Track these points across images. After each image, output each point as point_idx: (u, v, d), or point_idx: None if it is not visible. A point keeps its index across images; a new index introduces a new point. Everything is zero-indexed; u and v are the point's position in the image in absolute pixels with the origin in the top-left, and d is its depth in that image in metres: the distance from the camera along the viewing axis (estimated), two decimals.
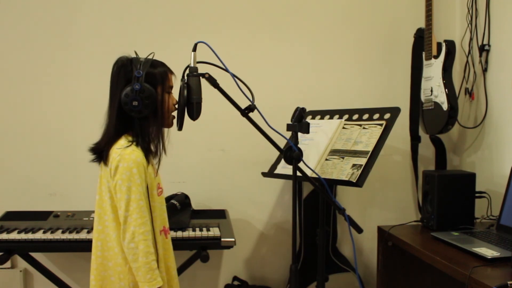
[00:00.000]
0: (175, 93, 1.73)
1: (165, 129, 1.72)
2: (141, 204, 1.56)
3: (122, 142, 1.61)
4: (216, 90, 1.74)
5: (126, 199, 1.55)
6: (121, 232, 1.57)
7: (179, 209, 2.47)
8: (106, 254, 1.66)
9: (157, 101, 1.62)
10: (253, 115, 1.77)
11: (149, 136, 1.64)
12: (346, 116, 2.40)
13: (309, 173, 2.01)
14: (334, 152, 2.26)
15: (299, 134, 1.87)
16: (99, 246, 1.67)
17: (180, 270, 2.35)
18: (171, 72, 1.71)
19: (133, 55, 1.66)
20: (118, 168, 1.56)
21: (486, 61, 2.57)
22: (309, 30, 2.83)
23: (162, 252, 1.71)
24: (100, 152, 1.64)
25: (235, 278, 2.81)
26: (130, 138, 1.62)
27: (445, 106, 2.52)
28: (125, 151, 1.57)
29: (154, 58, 1.65)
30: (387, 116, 2.21)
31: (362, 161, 2.10)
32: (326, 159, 2.25)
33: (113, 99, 1.63)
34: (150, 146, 1.65)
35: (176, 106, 1.71)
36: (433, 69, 2.60)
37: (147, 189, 1.62)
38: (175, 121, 1.72)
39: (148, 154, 1.63)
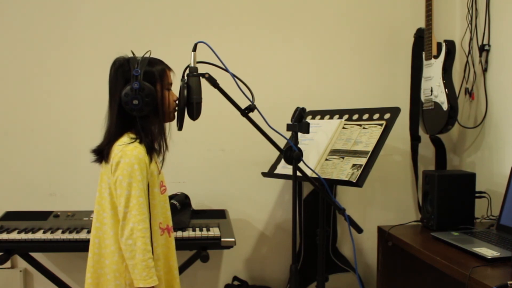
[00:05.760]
0: (175, 90, 1.73)
1: (166, 126, 1.72)
2: (141, 200, 1.56)
3: (125, 139, 1.61)
4: (216, 90, 1.74)
5: (126, 195, 1.55)
6: (119, 228, 1.56)
7: (179, 209, 2.47)
8: (103, 251, 1.66)
9: (157, 99, 1.63)
10: (253, 115, 1.77)
11: (151, 134, 1.65)
12: (346, 116, 2.40)
13: (309, 173, 2.01)
14: (334, 152, 2.25)
15: (299, 134, 1.87)
16: (97, 244, 1.67)
17: (180, 270, 2.34)
18: (169, 69, 1.71)
19: (130, 55, 1.66)
20: (120, 163, 1.56)
21: (486, 61, 2.57)
22: (309, 30, 2.83)
23: (164, 250, 1.71)
24: (102, 152, 1.64)
25: (235, 278, 2.81)
26: (132, 136, 1.62)
27: (445, 106, 2.52)
28: (127, 147, 1.58)
29: (151, 56, 1.66)
30: (387, 116, 2.21)
31: (362, 161, 2.10)
32: (326, 159, 2.25)
33: (113, 99, 1.64)
34: (153, 143, 1.65)
35: (177, 102, 1.72)
36: (433, 69, 2.60)
37: (147, 186, 1.62)
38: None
39: (151, 151, 1.63)
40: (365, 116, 2.31)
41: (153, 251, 1.61)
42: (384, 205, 2.95)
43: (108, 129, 1.66)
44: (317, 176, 2.03)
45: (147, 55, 1.65)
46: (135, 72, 1.59)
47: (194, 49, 1.71)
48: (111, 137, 1.63)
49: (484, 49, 2.56)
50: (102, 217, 1.65)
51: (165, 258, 1.73)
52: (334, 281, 2.80)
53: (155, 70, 1.64)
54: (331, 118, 2.47)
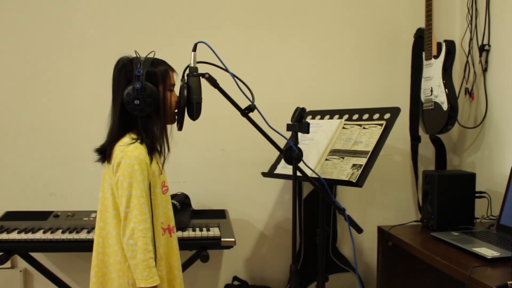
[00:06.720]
0: (177, 91, 1.73)
1: (168, 126, 1.72)
2: (142, 201, 1.57)
3: (126, 139, 1.62)
4: (216, 90, 1.74)
5: (127, 195, 1.56)
6: (121, 228, 1.58)
7: (179, 209, 2.47)
8: (107, 251, 1.67)
9: (159, 99, 1.63)
10: (253, 115, 1.77)
11: (153, 134, 1.65)
12: (346, 116, 2.40)
13: (309, 173, 2.01)
14: (334, 152, 2.26)
15: (299, 134, 1.87)
16: (100, 243, 1.68)
17: None
18: (172, 70, 1.72)
19: (134, 55, 1.66)
20: (120, 164, 1.57)
21: (486, 61, 2.57)
22: (309, 30, 2.83)
23: (165, 250, 1.71)
24: (104, 151, 1.65)
25: (235, 278, 2.81)
26: (133, 136, 1.63)
27: (445, 106, 2.52)
28: (128, 148, 1.59)
29: (155, 57, 1.66)
30: (387, 116, 2.21)
31: (362, 161, 2.10)
32: (326, 159, 2.25)
33: (116, 98, 1.64)
34: (155, 144, 1.66)
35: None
36: (433, 69, 2.60)
37: (149, 186, 1.62)
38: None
39: (153, 151, 1.64)
40: (365, 116, 2.31)
41: (156, 251, 1.61)
42: (384, 205, 2.95)
43: (111, 129, 1.67)
44: (317, 176, 2.03)
45: (150, 56, 1.65)
46: (137, 72, 1.59)
47: (194, 49, 1.71)
48: (113, 137, 1.64)
49: (484, 49, 2.56)
50: (105, 216, 1.66)
51: (166, 258, 1.73)
52: (334, 281, 2.80)
53: (157, 70, 1.64)
54: (331, 118, 2.47)
